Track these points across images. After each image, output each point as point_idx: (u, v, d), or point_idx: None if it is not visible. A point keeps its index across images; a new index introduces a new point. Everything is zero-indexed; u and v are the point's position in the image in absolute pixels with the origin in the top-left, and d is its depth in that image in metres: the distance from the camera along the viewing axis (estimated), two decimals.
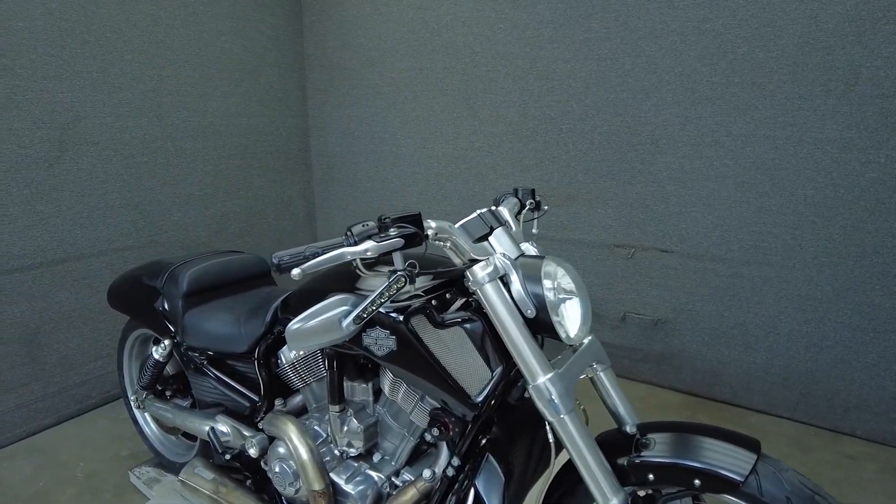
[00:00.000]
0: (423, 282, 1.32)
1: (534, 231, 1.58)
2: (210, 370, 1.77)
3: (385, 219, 1.13)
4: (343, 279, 1.41)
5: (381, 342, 1.29)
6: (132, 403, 2.15)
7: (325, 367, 1.56)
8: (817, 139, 2.29)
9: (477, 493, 1.23)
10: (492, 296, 1.16)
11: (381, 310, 1.28)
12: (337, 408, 1.48)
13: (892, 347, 2.28)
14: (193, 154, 3.03)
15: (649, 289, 2.78)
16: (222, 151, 3.18)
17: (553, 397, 1.12)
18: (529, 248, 1.34)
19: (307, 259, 1.08)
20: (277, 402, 1.66)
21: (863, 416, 2.39)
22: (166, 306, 1.82)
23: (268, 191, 3.49)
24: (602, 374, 1.29)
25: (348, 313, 1.24)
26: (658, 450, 1.13)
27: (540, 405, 1.14)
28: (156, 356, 1.84)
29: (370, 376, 1.51)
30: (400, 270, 1.12)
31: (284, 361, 1.62)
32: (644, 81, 2.60)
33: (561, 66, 2.78)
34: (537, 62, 2.84)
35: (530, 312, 1.16)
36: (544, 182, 2.94)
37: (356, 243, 1.10)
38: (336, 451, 1.52)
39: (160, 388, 2.01)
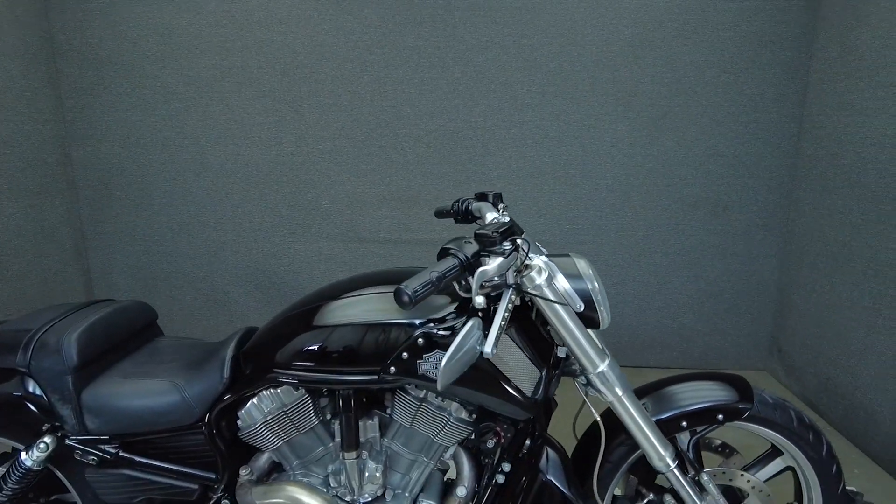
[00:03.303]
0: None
1: None
2: (128, 459, 1.36)
3: (495, 232, 1.08)
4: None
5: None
6: None
7: (322, 412, 1.36)
8: (612, 138, 2.86)
9: (548, 485, 1.27)
10: (551, 297, 1.21)
11: (438, 331, 1.21)
12: (353, 454, 1.32)
13: (671, 296, 3.01)
14: None
15: None
16: None
17: (614, 380, 1.24)
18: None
19: (435, 286, 0.98)
20: (243, 470, 1.38)
21: (655, 350, 3.09)
22: (39, 390, 1.32)
23: (22, 219, 2.68)
24: None
25: (481, 338, 1.14)
26: (679, 401, 1.35)
27: (603, 389, 1.24)
28: (28, 463, 1.31)
29: (373, 411, 1.39)
30: (512, 284, 1.09)
31: (252, 421, 1.35)
32: (473, 89, 2.83)
33: (393, 72, 2.83)
34: (368, 66, 2.82)
35: (579, 306, 1.25)
36: (384, 186, 2.96)
37: (473, 262, 1.06)
38: (348, 500, 1.36)
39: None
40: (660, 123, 2.83)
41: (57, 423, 1.35)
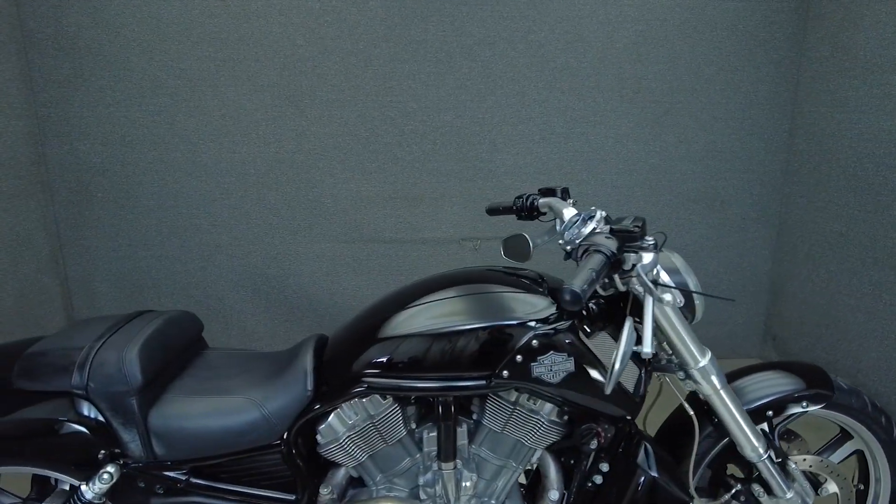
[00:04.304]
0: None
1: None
2: (199, 485, 1.24)
3: (636, 227, 1.06)
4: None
5: (556, 367, 1.17)
6: None
7: (408, 422, 1.29)
8: (617, 134, 2.89)
9: (653, 481, 1.25)
10: (657, 293, 1.20)
11: (546, 331, 1.17)
12: (451, 464, 1.26)
13: None
14: None
15: None
16: None
17: (715, 374, 1.24)
18: None
19: (595, 283, 0.94)
20: (324, 489, 1.29)
21: None
22: (97, 415, 1.18)
23: None
24: None
25: (637, 339, 1.10)
26: (763, 391, 1.37)
27: (703, 383, 1.24)
28: (89, 496, 1.17)
29: (459, 418, 1.33)
30: (652, 283, 1.07)
31: (335, 435, 1.26)
32: (480, 85, 2.80)
33: (399, 67, 2.75)
34: (372, 61, 2.73)
35: (680, 301, 1.24)
36: (389, 185, 2.88)
37: (619, 256, 1.03)
38: None
39: None
40: (662, 120, 2.89)
41: (116, 451, 1.21)
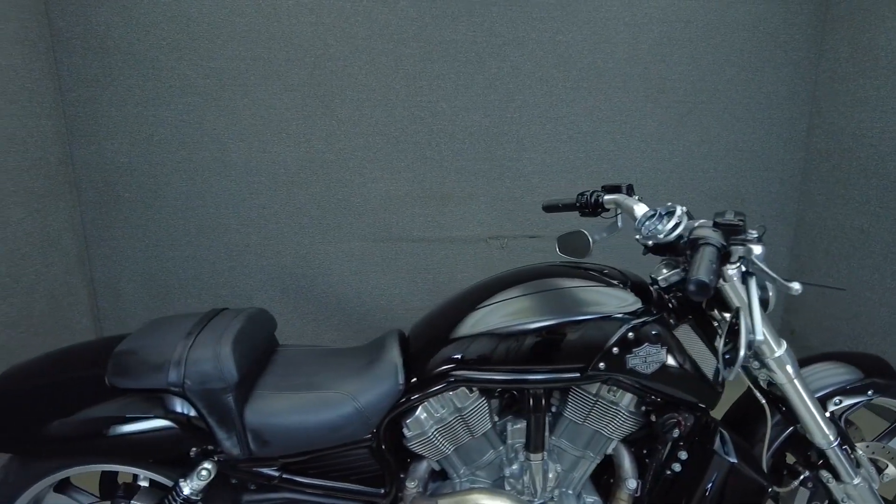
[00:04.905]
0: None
1: (619, 225, 1.65)
2: (291, 481, 1.25)
3: (740, 220, 1.10)
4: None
5: (650, 358, 1.20)
6: None
7: (493, 414, 1.32)
8: (641, 134, 2.94)
9: (734, 468, 1.28)
10: (741, 286, 1.23)
11: (642, 323, 1.20)
12: (539, 456, 1.29)
13: None
14: None
15: None
16: None
17: (790, 364, 1.28)
18: None
19: (716, 274, 0.97)
20: (410, 483, 1.31)
21: None
22: (194, 412, 1.18)
23: (30, 225, 2.40)
24: None
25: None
26: (829, 379, 1.42)
27: (779, 372, 1.28)
28: (187, 492, 1.18)
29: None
30: (753, 272, 1.10)
31: (422, 428, 1.28)
32: (509, 84, 2.83)
33: (429, 66, 2.77)
34: (403, 60, 2.75)
35: (761, 294, 1.28)
36: (417, 184, 2.89)
37: (730, 246, 1.06)
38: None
39: None
40: (685, 120, 2.94)
41: (209, 448, 1.22)
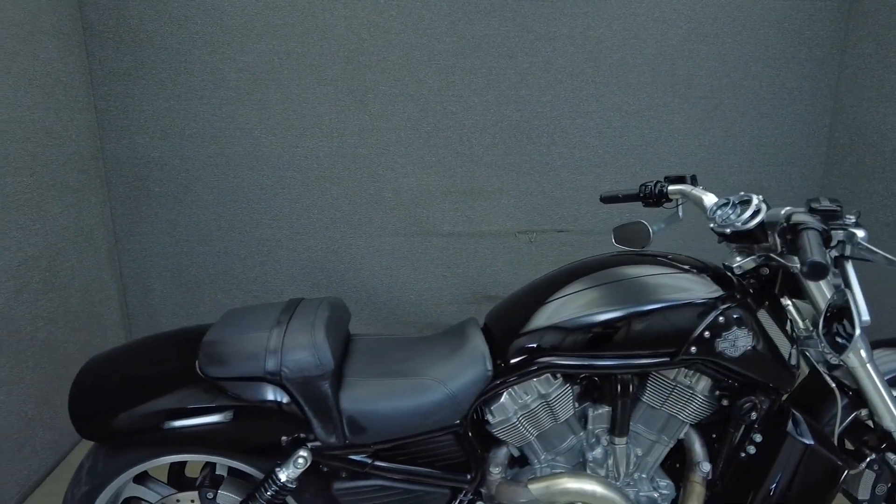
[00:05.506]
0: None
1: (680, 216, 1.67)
2: (382, 468, 1.25)
3: (837, 206, 1.12)
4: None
5: (739, 342, 1.23)
6: None
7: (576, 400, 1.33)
8: (669, 129, 2.97)
9: (812, 449, 1.31)
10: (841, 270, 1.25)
11: (732, 307, 1.23)
12: (624, 439, 1.31)
13: None
14: None
15: (549, 266, 3.09)
16: (6, 164, 2.03)
17: (863, 348, 1.31)
18: None
19: (826, 256, 0.99)
20: (494, 469, 1.32)
21: None
22: (293, 400, 1.18)
23: (66, 220, 2.37)
24: None
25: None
26: (892, 363, 1.45)
27: (852, 356, 1.31)
28: (283, 479, 1.18)
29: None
30: (849, 256, 1.12)
31: (507, 414, 1.29)
32: (540, 79, 2.84)
33: (461, 61, 2.78)
34: (436, 55, 2.76)
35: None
36: (448, 178, 2.90)
37: (829, 233, 1.08)
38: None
39: None
40: (711, 115, 2.98)
41: (302, 435, 1.22)
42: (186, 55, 2.63)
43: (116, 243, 2.78)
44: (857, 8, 2.87)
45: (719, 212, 1.39)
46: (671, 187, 1.59)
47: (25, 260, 2.10)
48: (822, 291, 1.29)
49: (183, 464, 1.46)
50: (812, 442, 1.33)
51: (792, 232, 1.13)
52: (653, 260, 1.39)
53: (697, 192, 1.50)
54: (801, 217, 1.15)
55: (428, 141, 2.85)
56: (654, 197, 1.62)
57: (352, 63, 2.72)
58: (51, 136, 2.28)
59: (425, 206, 2.92)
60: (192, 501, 1.32)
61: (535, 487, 1.26)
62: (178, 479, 1.47)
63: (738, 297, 1.26)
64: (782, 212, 1.22)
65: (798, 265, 1.25)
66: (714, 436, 1.44)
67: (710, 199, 1.46)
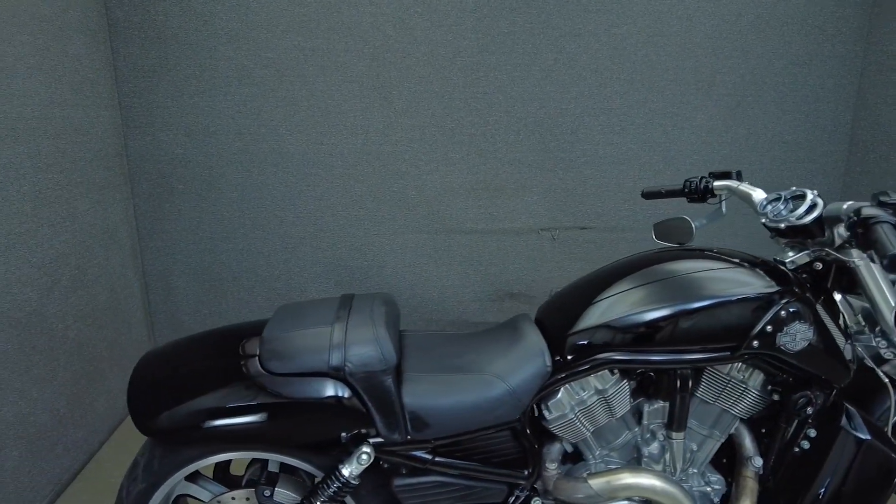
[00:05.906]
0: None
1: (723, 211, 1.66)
2: (442, 464, 1.25)
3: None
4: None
5: (799, 336, 1.22)
6: None
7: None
8: (692, 126, 2.97)
9: (868, 444, 1.31)
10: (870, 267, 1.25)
11: (792, 302, 1.22)
12: (682, 434, 1.30)
13: None
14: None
15: (572, 263, 3.09)
16: (37, 161, 2.01)
17: None
18: None
19: None
20: (551, 465, 1.32)
21: None
22: (356, 396, 1.17)
23: (93, 217, 2.36)
24: None
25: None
26: None
27: None
28: (347, 474, 1.17)
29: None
30: None
31: (564, 410, 1.29)
32: (564, 76, 2.84)
33: (486, 58, 2.77)
34: (461, 52, 2.75)
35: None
36: (472, 175, 2.89)
37: None
38: None
39: None
40: (734, 112, 2.98)
41: (362, 431, 1.21)
42: (211, 52, 2.62)
43: (139, 241, 2.76)
44: (880, 4, 2.87)
45: (770, 207, 1.39)
46: (716, 183, 1.59)
47: (56, 257, 2.09)
48: (890, 285, 1.28)
49: (228, 461, 1.45)
50: (868, 437, 1.33)
51: (863, 226, 1.13)
52: (704, 255, 1.38)
53: (745, 187, 1.50)
54: (872, 211, 1.14)
55: (452, 138, 2.84)
56: (698, 193, 1.61)
57: (377, 60, 2.71)
58: (79, 133, 2.27)
59: (448, 203, 2.91)
60: (248, 499, 1.31)
61: (595, 482, 1.26)
62: (223, 476, 1.47)
63: (797, 291, 1.26)
64: (844, 206, 1.21)
65: (855, 259, 1.24)
66: (763, 431, 1.44)
67: (759, 195, 1.46)
